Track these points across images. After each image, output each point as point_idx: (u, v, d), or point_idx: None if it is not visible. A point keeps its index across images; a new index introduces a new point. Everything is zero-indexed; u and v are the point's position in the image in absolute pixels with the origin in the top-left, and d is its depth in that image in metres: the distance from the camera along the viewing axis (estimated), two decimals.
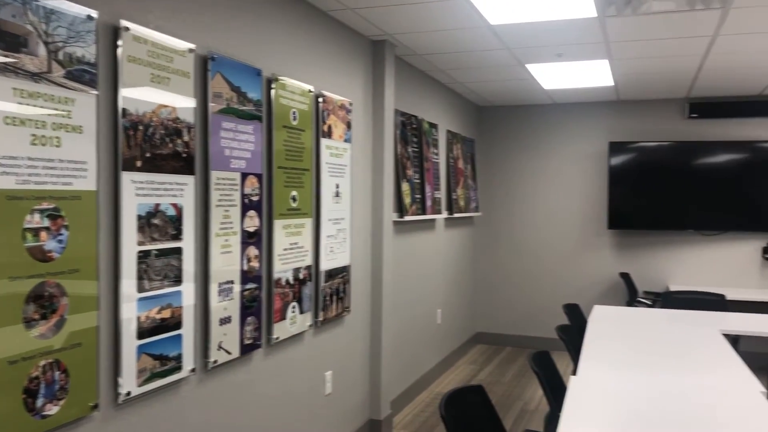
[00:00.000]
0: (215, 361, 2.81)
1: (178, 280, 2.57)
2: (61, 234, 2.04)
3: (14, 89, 1.88)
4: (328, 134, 3.79)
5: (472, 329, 7.36)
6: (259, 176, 3.11)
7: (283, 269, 3.33)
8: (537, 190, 7.29)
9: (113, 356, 2.28)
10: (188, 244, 2.62)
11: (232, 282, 2.92)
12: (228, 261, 2.89)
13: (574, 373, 3.15)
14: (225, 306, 2.87)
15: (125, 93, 2.29)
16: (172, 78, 2.52)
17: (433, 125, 5.74)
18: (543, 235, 7.28)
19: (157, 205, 2.45)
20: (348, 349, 4.17)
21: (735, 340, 4.60)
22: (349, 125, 4.05)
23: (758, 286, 6.57)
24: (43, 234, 1.98)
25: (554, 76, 5.62)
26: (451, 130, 6.32)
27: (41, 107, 1.97)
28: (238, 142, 2.94)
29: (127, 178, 2.31)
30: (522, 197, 7.35)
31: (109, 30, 2.26)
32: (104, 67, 2.23)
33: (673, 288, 6.42)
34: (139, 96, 2.36)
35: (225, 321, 2.87)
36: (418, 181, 5.26)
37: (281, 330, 3.33)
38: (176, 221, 2.55)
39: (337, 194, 3.91)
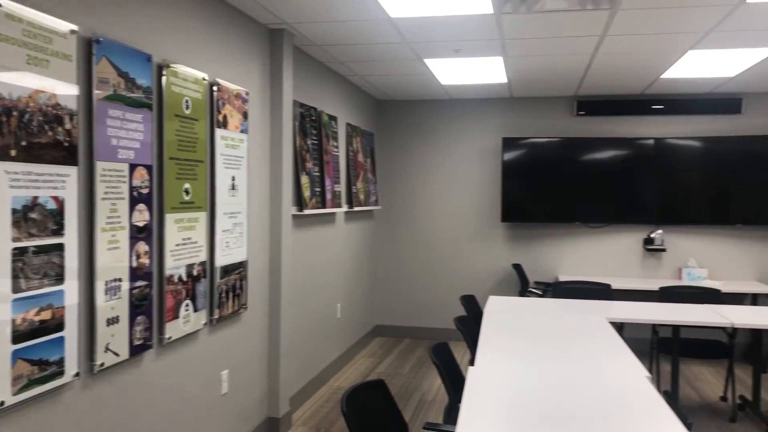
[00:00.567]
0: (102, 364, 2.64)
1: (59, 279, 2.38)
2: None
3: None
4: (224, 124, 3.66)
5: (371, 322, 7.39)
6: (149, 167, 2.95)
7: (175, 266, 3.18)
8: (435, 184, 7.40)
9: None
10: (71, 239, 2.44)
11: (120, 280, 2.75)
12: (115, 257, 2.72)
13: (471, 363, 3.20)
14: (112, 305, 2.70)
15: None
16: (51, 61, 2.33)
17: (332, 118, 5.69)
18: (440, 228, 7.40)
19: (35, 198, 2.26)
20: (245, 346, 4.06)
21: (620, 327, 4.85)
22: (245, 115, 3.93)
23: (640, 276, 6.98)
24: None
25: (451, 72, 5.70)
26: (350, 123, 6.29)
27: None
28: (126, 131, 2.78)
29: (0, 169, 2.12)
30: (420, 191, 7.44)
31: None
32: None
33: (562, 278, 6.70)
34: (13, 80, 2.16)
35: (112, 321, 2.70)
36: (317, 174, 5.20)
37: (174, 329, 3.18)
38: (57, 215, 2.37)
39: (233, 187, 3.79)
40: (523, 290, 6.70)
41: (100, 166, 2.61)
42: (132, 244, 2.83)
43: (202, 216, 3.45)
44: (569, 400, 2.51)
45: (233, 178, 3.78)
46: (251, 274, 4.10)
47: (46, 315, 2.32)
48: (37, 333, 2.28)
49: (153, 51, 3.02)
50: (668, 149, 6.74)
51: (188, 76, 3.28)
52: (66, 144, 2.41)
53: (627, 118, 6.97)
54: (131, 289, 2.83)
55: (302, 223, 5.03)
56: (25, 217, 2.22)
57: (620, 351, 3.36)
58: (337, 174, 5.76)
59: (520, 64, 5.40)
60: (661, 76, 5.84)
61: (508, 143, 7.02)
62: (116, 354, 2.74)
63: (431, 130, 7.39)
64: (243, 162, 3.90)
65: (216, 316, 3.60)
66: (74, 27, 2.46)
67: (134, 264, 2.85)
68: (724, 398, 5.27)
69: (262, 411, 4.34)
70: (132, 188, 2.82)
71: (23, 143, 2.20)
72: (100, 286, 2.62)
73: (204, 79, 3.44)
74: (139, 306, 2.89)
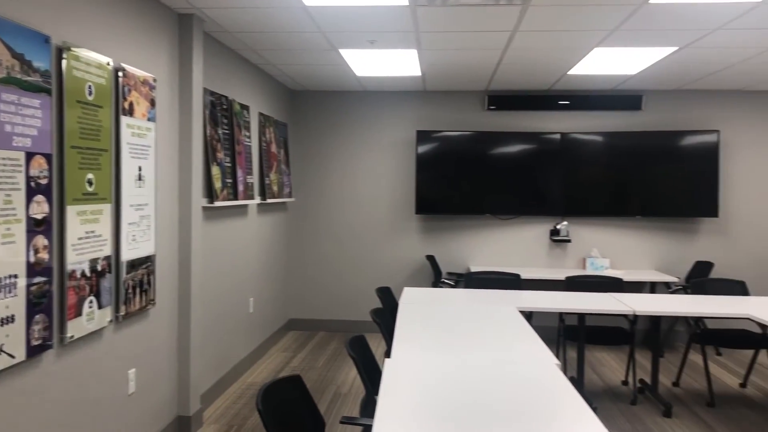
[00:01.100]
0: None
1: None
2: None
3: None
4: (130, 112, 3.49)
5: (285, 316, 7.29)
6: (48, 156, 2.77)
7: (78, 260, 3.01)
8: (350, 176, 7.38)
9: None
10: None
11: (15, 276, 2.57)
12: (10, 252, 2.54)
13: (387, 355, 3.21)
14: (7, 304, 2.52)
15: None
16: None
17: (244, 107, 5.55)
18: (356, 221, 7.39)
19: None
20: (153, 344, 3.90)
21: (529, 316, 4.99)
22: (153, 103, 3.76)
23: (547, 266, 7.22)
24: None
25: (366, 64, 5.68)
26: (263, 113, 6.16)
27: None
28: (22, 117, 2.59)
29: None
30: (335, 183, 7.39)
31: None
32: None
33: (474, 269, 6.84)
34: None
35: (7, 321, 2.52)
36: (229, 164, 5.06)
37: (76, 327, 3.01)
38: None
39: (140, 178, 3.62)
40: (437, 281, 6.80)
41: None
42: (29, 238, 2.65)
43: (107, 208, 3.28)
44: (484, 389, 2.55)
45: (140, 169, 3.61)
46: (159, 268, 3.95)
47: None
48: None
49: (52, 32, 2.83)
50: (573, 144, 7.00)
51: (91, 60, 3.10)
52: None
53: (535, 113, 7.18)
54: (29, 285, 2.65)
55: (213, 216, 4.88)
56: None
57: (530, 339, 3.45)
58: (249, 165, 5.63)
59: (434, 58, 5.45)
60: (568, 73, 6.04)
61: (422, 136, 7.08)
62: (11, 356, 2.56)
63: (346, 122, 7.36)
64: (150, 151, 3.73)
65: (122, 313, 3.43)
66: None
67: (32, 259, 2.67)
68: (625, 382, 5.53)
69: (172, 410, 4.19)
70: (29, 178, 2.64)
71: None
72: None
73: (108, 64, 3.26)
74: (37, 304, 2.71)
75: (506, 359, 3.03)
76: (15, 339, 2.57)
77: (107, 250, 3.28)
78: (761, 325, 4.64)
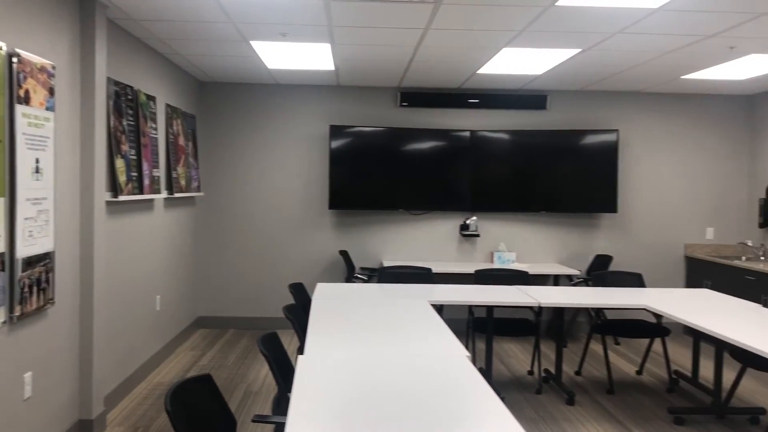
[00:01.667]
0: None
1: None
2: None
3: None
4: (26, 100, 3.29)
5: (193, 314, 7.10)
6: None
7: None
8: (262, 170, 7.26)
9: None
10: None
11: None
12: None
13: (300, 351, 3.18)
14: None
15: None
16: None
17: (150, 98, 5.35)
18: (268, 216, 7.29)
19: None
20: (53, 345, 3.70)
21: (440, 309, 5.07)
22: (51, 91, 3.56)
23: (456, 260, 7.37)
24: None
25: (279, 56, 5.60)
26: (170, 105, 5.97)
27: None
28: None
29: None
30: (246, 177, 7.26)
31: None
32: None
33: (387, 263, 6.90)
34: None
35: None
36: (134, 157, 4.87)
37: None
38: None
39: (38, 170, 3.42)
40: (350, 276, 6.81)
41: None
42: None
43: (0, 202, 3.08)
44: (397, 383, 2.58)
45: (37, 161, 3.42)
46: (59, 265, 3.75)
47: None
48: None
49: None
50: (482, 141, 7.17)
51: None
52: None
53: (446, 111, 7.30)
54: None
55: (117, 210, 4.69)
56: None
57: (442, 332, 3.52)
58: (156, 158, 5.44)
59: (348, 53, 5.44)
60: (478, 72, 6.18)
61: (335, 131, 7.06)
62: None
63: (258, 115, 7.24)
64: (49, 143, 3.54)
65: (17, 313, 3.24)
66: None
67: None
68: (531, 372, 5.73)
69: (73, 413, 4.00)
70: None
71: None
72: None
73: (1, 48, 3.06)
74: None
75: (418, 352, 3.07)
76: None
77: (0, 246, 3.08)
78: (656, 315, 4.91)
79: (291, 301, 6.78)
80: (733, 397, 5.02)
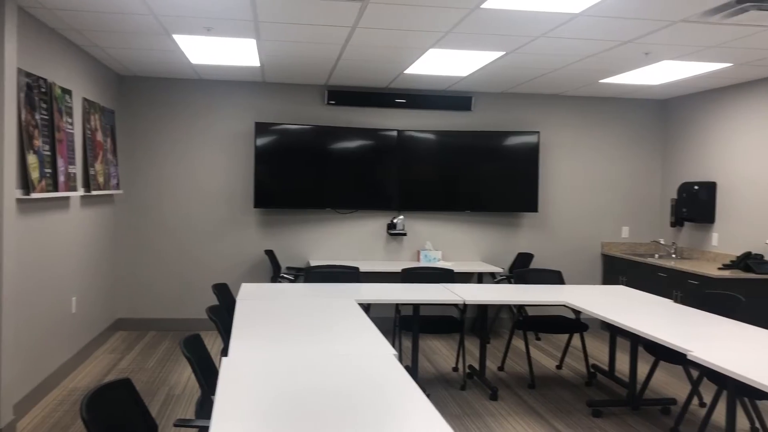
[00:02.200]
0: None
1: None
2: None
3: None
4: None
5: (112, 316, 6.85)
6: None
7: None
8: (184, 167, 7.07)
9: None
10: None
11: None
12: None
13: (224, 353, 3.12)
14: None
15: None
16: None
17: (66, 91, 5.12)
18: (191, 214, 7.11)
19: None
20: None
21: (367, 308, 5.08)
22: None
23: (384, 258, 7.40)
24: None
25: (202, 51, 5.47)
26: (88, 99, 5.73)
27: None
28: None
29: None
30: (168, 175, 7.06)
31: None
32: None
33: (314, 263, 6.85)
34: None
35: None
36: (48, 153, 4.65)
37: None
38: None
39: None
40: (276, 276, 6.73)
41: None
42: None
43: None
44: (324, 383, 2.56)
45: None
46: None
47: None
48: None
49: None
50: (409, 141, 7.23)
51: None
52: None
53: (373, 110, 7.32)
54: None
55: (29, 209, 4.47)
56: None
57: (368, 331, 3.52)
58: (72, 154, 5.21)
59: (274, 49, 5.37)
60: (405, 72, 6.22)
61: (261, 128, 6.96)
62: None
63: (180, 111, 7.04)
64: None
65: None
66: None
67: None
68: (456, 369, 5.81)
69: None
70: None
71: None
72: None
73: None
74: None
75: (345, 352, 3.06)
76: None
77: None
78: (575, 311, 5.08)
79: (215, 301, 6.64)
80: (647, 389, 5.25)
